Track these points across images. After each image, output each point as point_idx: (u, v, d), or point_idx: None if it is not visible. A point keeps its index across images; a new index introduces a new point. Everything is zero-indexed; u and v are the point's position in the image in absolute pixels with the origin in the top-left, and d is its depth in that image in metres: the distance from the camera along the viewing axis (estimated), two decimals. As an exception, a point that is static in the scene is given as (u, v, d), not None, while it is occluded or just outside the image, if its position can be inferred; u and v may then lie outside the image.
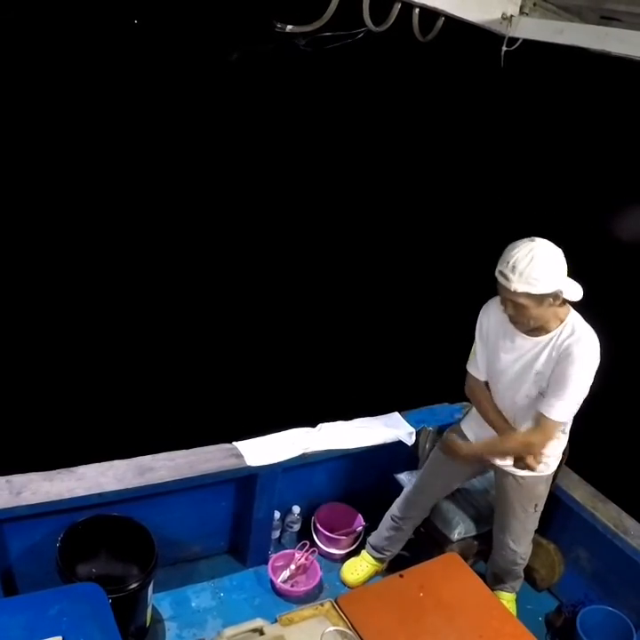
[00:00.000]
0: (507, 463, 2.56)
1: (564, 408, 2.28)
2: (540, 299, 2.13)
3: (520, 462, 2.44)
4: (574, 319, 2.28)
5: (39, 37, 4.80)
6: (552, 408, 2.28)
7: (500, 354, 2.42)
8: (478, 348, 2.51)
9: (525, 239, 2.15)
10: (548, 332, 2.28)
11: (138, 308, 5.36)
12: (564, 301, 2.26)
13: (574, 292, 2.24)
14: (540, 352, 2.30)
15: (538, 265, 2.09)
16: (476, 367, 2.54)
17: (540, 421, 2.32)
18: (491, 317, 2.45)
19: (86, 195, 5.54)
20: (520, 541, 2.74)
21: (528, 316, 2.20)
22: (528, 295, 2.12)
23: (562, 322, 2.27)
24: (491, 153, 6.12)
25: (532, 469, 2.43)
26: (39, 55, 4.92)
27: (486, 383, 2.56)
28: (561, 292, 2.17)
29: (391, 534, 2.94)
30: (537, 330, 2.29)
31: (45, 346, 4.90)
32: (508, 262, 2.12)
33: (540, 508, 2.71)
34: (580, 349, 2.21)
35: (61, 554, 2.31)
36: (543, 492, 2.66)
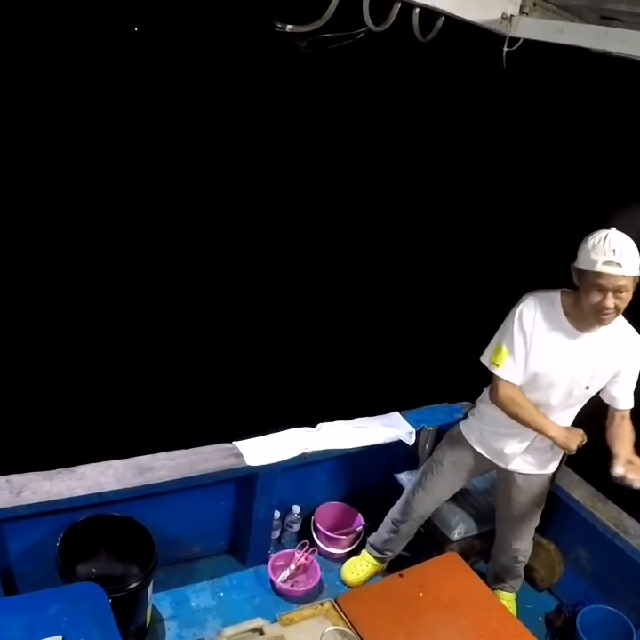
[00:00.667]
0: (513, 463, 2.56)
1: (633, 395, 2.42)
2: (634, 281, 2.16)
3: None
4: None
5: (39, 37, 4.80)
6: (631, 400, 2.42)
7: (553, 351, 2.32)
8: (518, 350, 2.34)
9: (606, 230, 2.17)
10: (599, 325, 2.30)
11: (138, 308, 5.36)
12: None
13: None
14: (598, 345, 2.32)
15: (633, 247, 2.15)
16: (515, 371, 2.37)
17: (625, 415, 2.44)
18: (537, 315, 2.33)
19: (88, 196, 5.55)
20: (522, 539, 2.76)
21: (625, 303, 2.19)
22: (633, 278, 2.15)
23: None
24: (491, 153, 6.12)
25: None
26: (39, 55, 4.92)
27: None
28: None
29: (391, 535, 2.94)
30: (591, 323, 2.28)
31: (45, 346, 4.90)
32: (615, 250, 2.11)
33: (542, 505, 2.73)
34: (637, 339, 2.36)
35: (61, 553, 2.31)
36: (546, 489, 2.69)
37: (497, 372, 2.38)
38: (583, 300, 2.21)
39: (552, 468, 2.62)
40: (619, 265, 2.10)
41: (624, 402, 2.42)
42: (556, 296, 2.33)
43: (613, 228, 2.19)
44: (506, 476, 2.65)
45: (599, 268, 2.12)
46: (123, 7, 4.67)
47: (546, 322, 2.32)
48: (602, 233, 2.17)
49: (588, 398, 2.46)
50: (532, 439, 2.50)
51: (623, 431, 2.41)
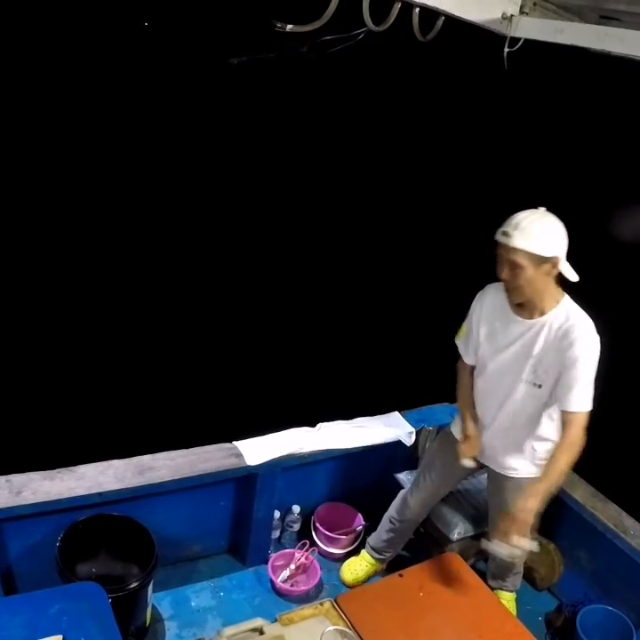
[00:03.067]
0: (502, 465, 2.55)
1: (585, 396, 2.21)
2: (537, 261, 2.11)
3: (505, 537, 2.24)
4: (569, 303, 2.26)
5: (39, 35, 4.80)
6: (573, 400, 2.22)
7: (494, 337, 2.38)
8: (467, 330, 2.51)
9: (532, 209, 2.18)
10: (542, 314, 2.25)
11: (138, 308, 5.37)
12: (561, 281, 2.23)
13: (572, 272, 2.19)
14: (536, 336, 2.26)
15: (541, 226, 2.12)
16: (465, 349, 2.53)
17: (569, 419, 2.24)
18: (484, 303, 2.44)
19: (91, 196, 5.55)
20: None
21: (523, 279, 2.15)
22: (527, 254, 2.10)
23: (557, 303, 2.25)
24: (492, 153, 6.12)
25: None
26: (40, 53, 4.93)
27: (471, 368, 2.55)
28: (559, 261, 2.14)
29: (390, 535, 2.94)
30: (531, 310, 2.26)
31: (45, 346, 4.90)
32: (511, 222, 2.14)
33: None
34: (581, 332, 2.19)
35: (61, 553, 2.31)
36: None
37: (456, 340, 2.59)
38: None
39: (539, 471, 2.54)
40: (507, 235, 2.12)
41: (565, 402, 2.23)
42: None
43: (542, 208, 2.17)
44: (496, 477, 2.64)
45: (496, 236, 2.17)
46: (123, 7, 4.68)
47: (492, 308, 2.40)
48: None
49: (543, 401, 2.34)
50: (517, 439, 2.47)
51: (558, 450, 2.27)
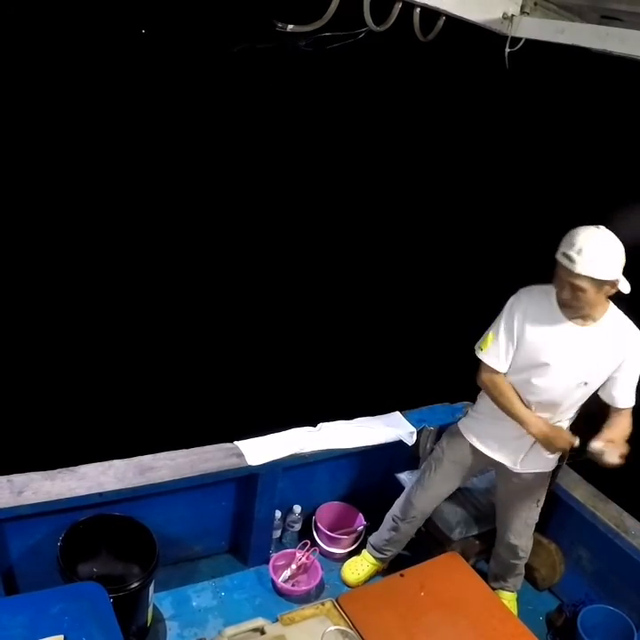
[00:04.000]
0: (512, 460, 2.56)
1: (634, 392, 2.38)
2: (600, 284, 2.16)
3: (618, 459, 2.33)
4: (615, 310, 2.36)
5: (38, 34, 4.80)
6: (630, 398, 2.38)
7: (548, 344, 2.34)
8: (504, 338, 2.39)
9: (591, 226, 2.19)
10: (594, 320, 2.31)
11: (138, 308, 5.37)
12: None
13: (626, 284, 2.25)
14: (592, 342, 2.32)
15: (604, 251, 2.13)
16: (498, 359, 2.42)
17: (625, 413, 2.38)
18: (528, 307, 2.37)
19: (92, 196, 5.56)
20: (521, 535, 2.76)
21: (584, 301, 2.20)
22: (590, 279, 2.13)
23: (605, 311, 2.32)
24: (492, 152, 6.12)
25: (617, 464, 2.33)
26: (39, 52, 4.93)
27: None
28: (618, 282, 2.20)
29: (392, 534, 2.94)
30: (584, 318, 2.31)
31: (46, 346, 4.91)
32: (575, 245, 2.13)
33: (542, 503, 2.73)
34: (634, 338, 2.33)
35: (62, 553, 2.31)
36: (545, 487, 2.68)
37: (480, 355, 2.46)
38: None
39: (551, 465, 2.62)
40: (570, 260, 2.13)
41: (623, 400, 2.38)
42: (551, 289, 2.33)
43: (601, 227, 2.19)
44: (504, 473, 2.66)
45: (557, 256, 2.19)
46: (124, 8, 4.68)
47: (538, 313, 2.35)
48: (581, 227, 2.19)
49: (587, 397, 2.44)
50: (529, 436, 2.48)
51: (617, 423, 2.38)
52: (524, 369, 2.41)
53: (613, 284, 2.19)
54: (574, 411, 2.50)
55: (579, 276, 2.12)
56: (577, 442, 2.37)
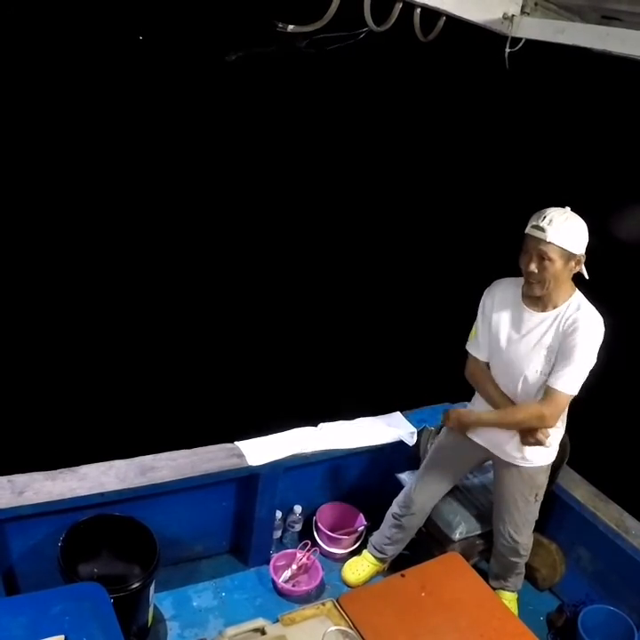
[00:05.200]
0: (509, 453, 2.58)
1: (572, 379, 2.31)
2: (567, 257, 2.23)
3: (530, 438, 2.44)
4: (579, 297, 2.37)
5: (36, 38, 4.81)
6: (560, 379, 2.31)
7: (506, 331, 2.45)
8: (480, 327, 2.54)
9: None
10: (554, 306, 2.35)
11: (139, 309, 5.37)
12: (575, 276, 2.34)
13: (585, 271, 2.32)
14: (548, 327, 2.35)
15: (573, 224, 2.24)
16: (478, 347, 2.56)
17: (550, 394, 2.34)
18: (495, 297, 2.51)
19: (91, 200, 5.56)
20: (521, 531, 2.75)
21: (551, 274, 2.24)
22: (560, 250, 2.21)
23: (569, 297, 2.35)
24: (492, 152, 6.12)
25: (541, 444, 2.43)
26: (37, 57, 4.93)
27: (487, 365, 2.58)
28: (583, 258, 2.27)
29: (393, 533, 2.94)
30: (545, 303, 2.35)
31: (47, 346, 4.91)
32: (545, 217, 2.23)
33: (541, 497, 2.72)
34: (585, 322, 2.29)
35: (63, 553, 2.31)
36: (543, 481, 2.67)
37: (467, 346, 2.61)
38: (520, 267, 2.34)
39: (548, 459, 2.62)
40: (541, 229, 2.21)
41: (554, 378, 2.33)
42: (520, 280, 2.42)
43: (568, 208, 2.28)
44: (501, 467, 2.67)
45: (527, 229, 2.27)
46: (121, 13, 4.68)
47: (503, 300, 2.47)
48: (551, 207, 2.28)
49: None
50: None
51: (525, 407, 2.42)
52: (494, 354, 2.52)
53: (578, 260, 2.27)
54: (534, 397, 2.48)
55: (549, 243, 2.21)
56: (546, 439, 2.43)
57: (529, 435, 2.45)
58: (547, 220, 2.22)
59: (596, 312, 2.34)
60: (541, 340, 2.36)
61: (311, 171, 6.32)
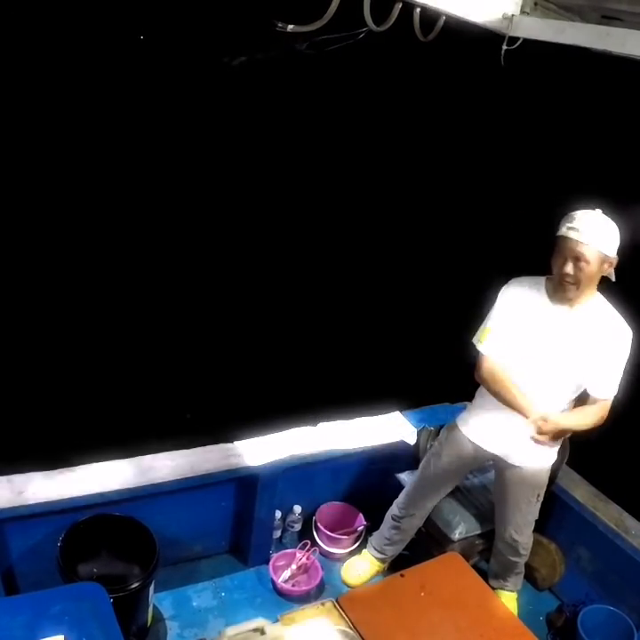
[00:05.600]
0: (512, 454, 2.57)
1: (616, 383, 2.40)
2: (602, 259, 2.24)
3: (558, 437, 2.44)
4: (601, 298, 2.40)
5: (37, 39, 4.81)
6: (610, 388, 2.39)
7: (532, 329, 2.40)
8: (497, 326, 2.43)
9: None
10: (579, 304, 2.35)
11: (139, 309, 5.37)
12: (603, 277, 2.35)
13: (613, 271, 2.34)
14: (575, 325, 2.36)
15: (608, 227, 2.25)
16: (495, 346, 2.44)
17: (601, 404, 2.42)
18: (517, 294, 2.44)
19: (92, 201, 5.56)
20: (522, 531, 2.75)
21: (586, 275, 2.24)
22: (595, 251, 2.22)
23: (592, 296, 2.37)
24: (492, 152, 6.12)
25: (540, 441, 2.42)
26: (38, 58, 4.93)
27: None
28: (615, 261, 2.28)
29: (392, 534, 2.94)
30: (571, 302, 2.35)
31: (46, 346, 4.91)
32: (580, 220, 2.23)
33: (541, 498, 2.72)
34: (621, 327, 2.36)
35: (62, 553, 2.31)
36: (544, 481, 2.67)
37: (479, 347, 2.47)
38: (552, 268, 2.33)
39: (550, 460, 2.62)
40: (578, 231, 2.21)
41: (603, 389, 2.41)
42: (540, 279, 2.44)
43: (598, 210, 2.28)
44: (502, 467, 2.66)
45: (562, 232, 2.26)
46: (122, 14, 4.68)
47: (528, 301, 2.42)
48: (583, 209, 2.29)
49: (576, 385, 2.44)
50: (526, 429, 2.48)
51: (581, 409, 2.46)
52: (516, 352, 2.45)
53: (611, 263, 2.27)
54: (566, 400, 2.49)
55: (587, 245, 2.20)
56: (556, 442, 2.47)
57: (558, 436, 2.45)
58: (583, 222, 2.22)
59: (619, 314, 2.39)
60: (571, 336, 2.36)
61: (312, 171, 6.32)
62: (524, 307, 2.41)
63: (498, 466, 2.71)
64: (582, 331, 2.36)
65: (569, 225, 2.25)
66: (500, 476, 2.71)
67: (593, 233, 2.21)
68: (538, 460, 2.58)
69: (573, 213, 2.27)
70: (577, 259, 2.23)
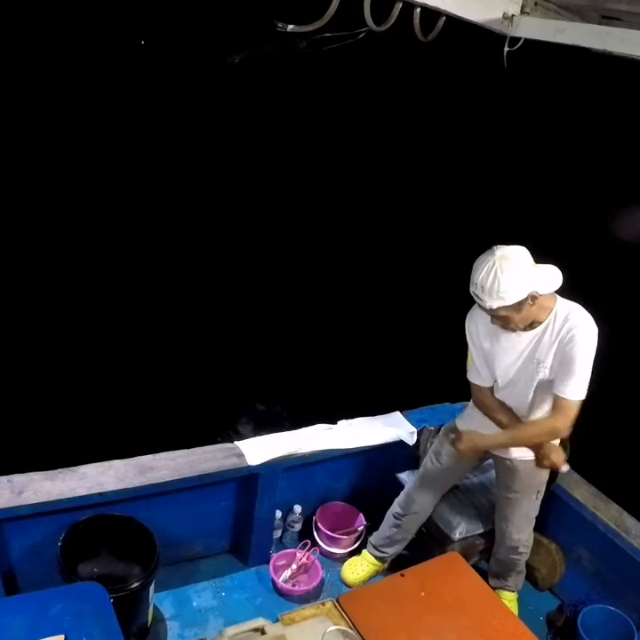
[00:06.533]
0: (510, 451, 2.58)
1: (579, 385, 2.29)
2: (517, 306, 2.20)
3: (545, 461, 2.45)
4: (563, 305, 2.33)
5: (39, 38, 4.81)
6: (566, 388, 2.29)
7: (499, 355, 2.45)
8: (474, 355, 2.54)
9: (486, 252, 2.22)
10: (540, 323, 2.33)
11: (139, 309, 5.37)
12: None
13: (550, 282, 2.27)
14: (537, 343, 2.35)
15: (502, 279, 2.14)
16: (478, 375, 2.56)
17: (559, 404, 2.33)
18: (478, 323, 2.49)
19: (94, 202, 5.57)
20: (522, 529, 2.76)
21: (515, 323, 2.27)
22: (505, 308, 2.19)
23: (551, 310, 2.32)
24: (492, 152, 6.12)
25: (557, 468, 2.45)
26: (40, 61, 4.94)
27: (491, 389, 2.58)
28: (536, 293, 2.21)
29: (393, 532, 2.94)
30: (530, 325, 2.34)
31: (47, 346, 4.91)
32: (477, 283, 2.19)
33: (541, 495, 2.73)
34: (580, 328, 2.26)
35: (63, 553, 2.31)
36: (544, 478, 2.68)
37: (468, 377, 2.60)
38: None
39: None
40: (480, 298, 2.21)
41: (562, 388, 2.31)
42: None
43: (496, 250, 2.19)
44: (502, 465, 2.67)
45: (471, 293, 2.26)
46: (123, 19, 4.69)
47: (489, 330, 2.43)
48: (479, 259, 2.22)
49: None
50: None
51: (539, 423, 2.43)
52: (495, 379, 2.52)
53: (533, 296, 2.20)
54: (545, 408, 2.48)
55: (496, 310, 2.20)
56: (565, 465, 2.47)
57: (545, 458, 2.45)
58: (479, 286, 2.17)
59: (584, 312, 2.30)
60: (536, 356, 2.36)
61: (313, 170, 6.32)
62: (488, 334, 2.45)
63: (497, 464, 2.72)
64: (545, 345, 2.34)
65: (472, 289, 2.23)
66: (501, 474, 2.72)
67: (493, 297, 2.16)
68: (536, 457, 2.58)
69: (473, 272, 2.22)
70: (494, 318, 2.26)
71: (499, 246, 2.20)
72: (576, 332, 2.26)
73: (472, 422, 2.67)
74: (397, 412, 3.32)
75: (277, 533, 3.11)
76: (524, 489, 2.67)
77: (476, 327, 2.49)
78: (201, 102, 5.72)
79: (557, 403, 2.34)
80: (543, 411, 2.47)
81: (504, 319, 2.25)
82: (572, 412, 2.33)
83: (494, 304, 2.18)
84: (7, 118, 4.72)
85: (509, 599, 2.92)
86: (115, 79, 5.19)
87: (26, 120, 4.96)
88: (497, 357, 2.45)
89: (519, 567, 2.90)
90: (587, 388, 2.31)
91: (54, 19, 4.65)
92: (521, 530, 2.76)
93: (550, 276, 2.28)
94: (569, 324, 2.28)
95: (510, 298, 2.16)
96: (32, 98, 5.02)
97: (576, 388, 2.29)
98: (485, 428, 2.60)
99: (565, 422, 2.34)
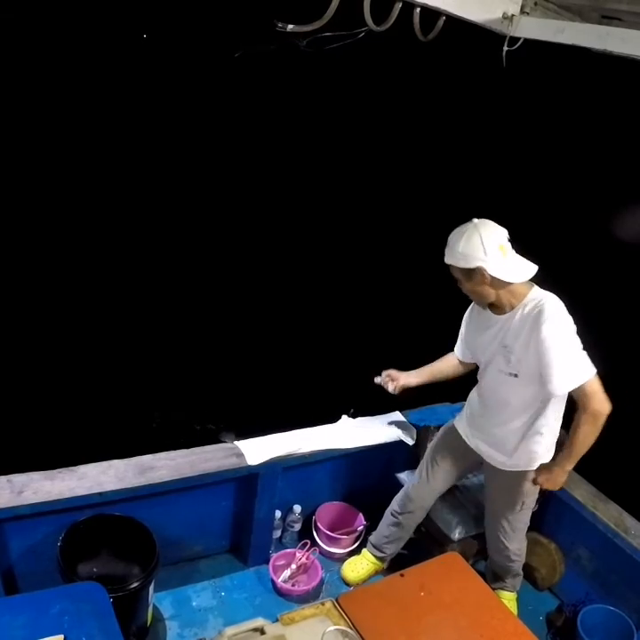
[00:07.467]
0: (495, 457, 2.59)
1: (571, 370, 2.23)
2: (466, 274, 2.30)
3: (539, 478, 2.53)
4: (535, 293, 2.35)
5: (39, 38, 4.81)
6: (563, 380, 2.24)
7: (475, 334, 2.59)
8: (462, 329, 2.73)
9: (474, 220, 2.32)
10: (512, 308, 2.37)
11: (139, 309, 5.37)
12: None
13: (510, 272, 2.27)
14: (504, 328, 2.39)
15: (462, 243, 2.26)
16: (458, 346, 2.77)
17: (577, 393, 2.27)
18: (471, 308, 2.67)
19: (95, 198, 5.56)
20: (510, 539, 2.73)
21: (465, 289, 2.39)
22: (456, 269, 2.32)
23: (524, 297, 2.34)
24: (492, 152, 6.12)
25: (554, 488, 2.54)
26: (41, 57, 4.94)
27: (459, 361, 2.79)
28: (484, 271, 2.24)
29: (392, 531, 2.94)
30: (502, 308, 2.39)
31: (46, 347, 4.91)
32: (449, 240, 2.33)
33: (530, 504, 2.67)
34: (546, 314, 2.24)
35: (62, 553, 2.31)
36: (529, 488, 2.60)
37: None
38: None
39: (535, 463, 2.55)
40: (445, 252, 2.33)
41: (557, 385, 2.26)
42: None
43: (475, 221, 2.30)
44: (490, 471, 2.67)
45: None
46: (125, 13, 4.69)
47: (475, 312, 2.60)
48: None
49: (523, 392, 2.40)
50: (508, 433, 2.50)
51: (575, 423, 2.34)
52: (476, 360, 2.65)
53: (481, 272, 2.25)
54: (523, 415, 2.45)
55: (450, 266, 2.33)
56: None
57: (537, 477, 2.53)
58: (448, 242, 2.31)
59: (552, 300, 2.28)
60: (498, 339, 2.42)
61: (313, 169, 6.32)
62: (475, 315, 2.61)
63: (487, 470, 2.72)
64: (509, 332, 2.36)
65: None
66: (488, 480, 2.74)
67: (449, 253, 2.30)
68: (522, 464, 2.55)
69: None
70: (453, 277, 2.37)
71: (485, 220, 2.31)
72: (541, 320, 2.23)
73: (466, 419, 2.72)
74: (397, 412, 3.32)
75: (277, 533, 3.11)
76: (508, 499, 2.64)
77: (469, 312, 2.67)
78: (201, 97, 5.72)
79: (575, 394, 2.28)
80: (502, 400, 2.47)
81: (457, 281, 2.37)
82: (591, 392, 2.24)
83: (448, 260, 2.32)
84: (9, 115, 4.72)
85: (508, 599, 2.92)
86: (117, 71, 5.19)
87: (27, 116, 4.96)
88: (474, 335, 2.59)
89: (514, 571, 2.89)
90: (584, 365, 2.24)
91: (56, 14, 4.66)
92: (510, 540, 2.73)
93: (514, 267, 2.28)
94: (537, 312, 2.28)
95: (460, 261, 2.27)
96: (34, 94, 5.02)
97: (572, 374, 2.23)
98: (478, 419, 2.64)
99: (594, 403, 2.25)
